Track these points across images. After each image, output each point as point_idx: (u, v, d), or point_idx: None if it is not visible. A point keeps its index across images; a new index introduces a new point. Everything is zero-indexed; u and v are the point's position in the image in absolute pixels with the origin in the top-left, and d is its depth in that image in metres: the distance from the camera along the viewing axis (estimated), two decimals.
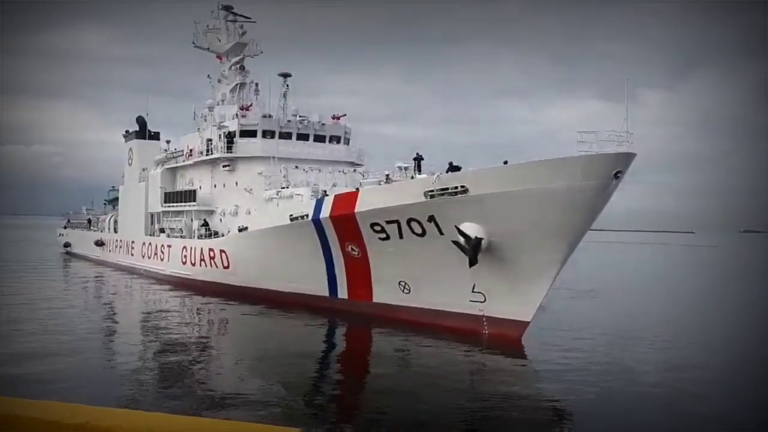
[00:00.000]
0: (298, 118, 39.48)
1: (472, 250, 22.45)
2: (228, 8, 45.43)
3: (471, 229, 22.55)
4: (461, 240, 22.76)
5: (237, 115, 39.35)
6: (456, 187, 22.63)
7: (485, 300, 23.94)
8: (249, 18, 45.16)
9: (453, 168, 24.45)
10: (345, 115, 41.48)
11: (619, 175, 20.89)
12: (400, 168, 29.38)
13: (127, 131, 56.48)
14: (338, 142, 40.36)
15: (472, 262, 22.67)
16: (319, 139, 39.68)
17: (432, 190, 23.26)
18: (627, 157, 20.92)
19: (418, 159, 29.56)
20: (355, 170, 39.54)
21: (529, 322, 23.16)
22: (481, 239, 22.38)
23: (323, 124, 40.00)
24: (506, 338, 22.89)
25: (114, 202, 62.13)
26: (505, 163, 23.06)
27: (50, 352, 19.87)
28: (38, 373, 16.94)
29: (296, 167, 36.88)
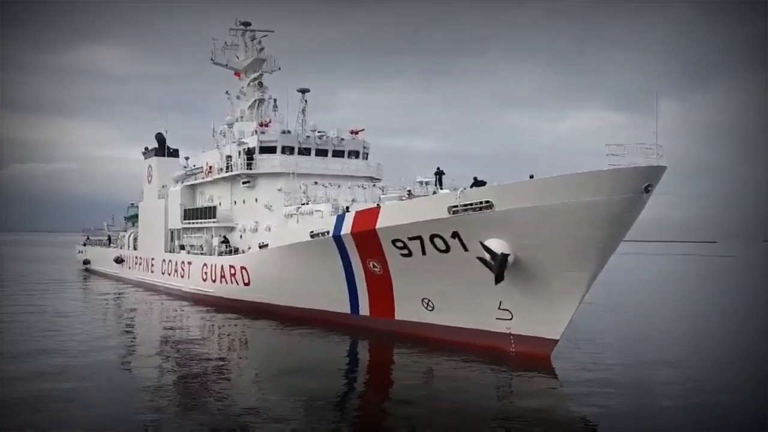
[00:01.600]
0: (317, 133, 39.36)
1: (498, 266, 21.95)
2: (246, 24, 45.59)
3: (497, 245, 22.06)
4: (487, 256, 22.28)
5: (256, 131, 39.30)
6: (481, 203, 22.19)
7: (512, 317, 23.41)
8: (269, 30, 45.20)
9: (477, 183, 24.03)
10: (363, 129, 41.31)
11: (649, 188, 20.34)
12: (420, 182, 29.08)
13: (146, 148, 56.76)
14: (357, 156, 40.14)
15: (498, 279, 22.15)
16: (338, 154, 39.51)
17: (456, 206, 22.82)
18: (657, 170, 20.38)
19: (439, 173, 29.22)
20: (374, 185, 39.32)
21: (558, 340, 22.58)
22: (507, 255, 21.88)
23: (342, 139, 39.82)
24: (534, 357, 22.32)
25: (133, 218, 62.33)
26: (531, 177, 22.63)
27: (69, 368, 19.93)
28: (58, 390, 17.10)
29: (315, 183, 36.69)
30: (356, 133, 40.92)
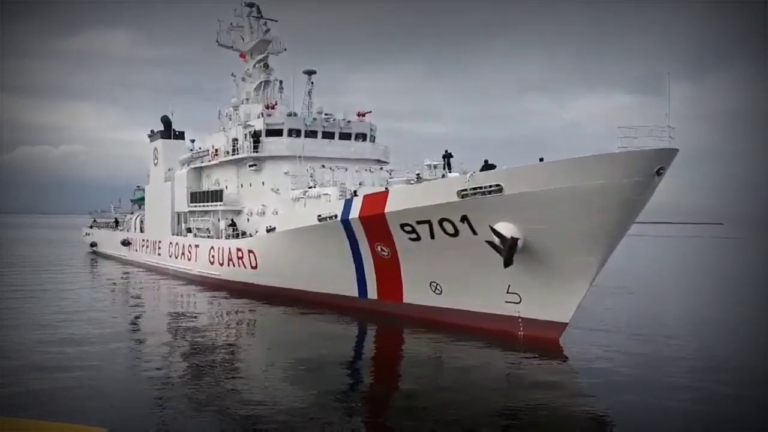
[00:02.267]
0: (323, 116, 39.15)
1: (508, 250, 21.86)
2: (251, 5, 45.10)
3: (506, 228, 21.95)
4: (496, 240, 22.18)
5: (262, 114, 39.10)
6: (490, 186, 22.04)
7: (521, 301, 23.38)
8: (273, 20, 44.84)
9: (487, 166, 23.85)
10: (370, 112, 41.07)
11: (661, 171, 20.12)
12: (429, 166, 28.87)
13: (152, 131, 56.59)
14: (364, 139, 39.94)
15: (508, 263, 22.07)
16: (345, 137, 39.31)
17: (465, 190, 22.67)
18: (669, 153, 20.15)
19: (448, 156, 29.06)
20: (381, 168, 39.17)
21: (567, 324, 22.56)
22: (516, 239, 21.78)
23: (349, 122, 39.63)
24: (544, 340, 22.32)
25: (140, 201, 62.41)
26: (541, 160, 22.45)
27: (75, 356, 19.88)
28: (64, 379, 17.06)
29: (322, 166, 36.56)
30: (363, 115, 40.69)
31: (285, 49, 45.15)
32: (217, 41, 45.72)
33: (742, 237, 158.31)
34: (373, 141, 40.53)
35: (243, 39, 45.08)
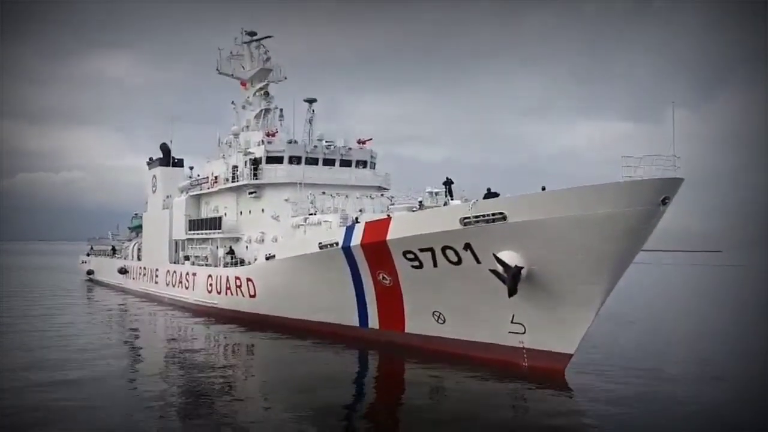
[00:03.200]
0: (324, 143, 39.14)
1: (512, 279, 21.55)
2: (252, 34, 45.43)
3: (510, 257, 21.68)
4: (500, 269, 21.89)
5: (263, 141, 39.06)
6: (494, 214, 21.83)
7: (525, 331, 22.99)
8: (268, 36, 44.96)
9: (490, 194, 23.68)
10: (371, 139, 41.12)
11: (666, 201, 19.97)
12: (430, 193, 28.65)
13: (150, 158, 56.52)
14: (365, 166, 39.91)
15: (512, 292, 21.73)
16: (346, 163, 39.28)
17: (468, 217, 22.47)
18: (675, 183, 20.02)
19: (448, 183, 28.86)
20: (382, 195, 39.04)
21: (572, 355, 22.15)
22: (520, 268, 21.49)
23: (349, 149, 39.64)
24: (548, 371, 21.90)
25: (137, 229, 62.00)
26: (543, 188, 22.29)
27: (72, 380, 19.74)
28: (62, 400, 17.03)
29: (323, 193, 36.39)
30: (363, 142, 40.73)
31: (285, 78, 45.39)
32: (217, 69, 45.94)
33: (743, 264, 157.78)
34: (374, 168, 40.50)
35: (243, 67, 45.30)
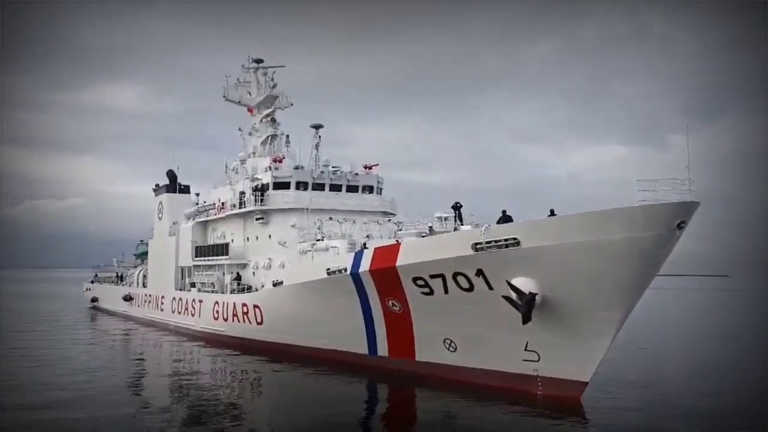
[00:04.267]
0: (330, 168, 39.05)
1: (526, 306, 21.12)
2: (258, 61, 45.71)
3: (524, 283, 21.28)
4: (513, 295, 21.48)
5: (270, 167, 38.97)
6: (507, 239, 21.48)
7: (539, 359, 22.49)
8: (280, 66, 45.34)
9: (505, 218, 23.37)
10: (377, 164, 41.01)
11: (682, 225, 19.63)
12: (439, 218, 28.39)
13: (157, 185, 56.50)
14: (371, 191, 39.74)
15: (526, 319, 21.28)
16: (352, 189, 39.12)
17: (480, 243, 22.12)
18: (690, 207, 19.69)
19: (457, 207, 28.54)
20: (389, 220, 38.78)
21: (588, 383, 21.63)
22: (535, 295, 21.08)
23: (356, 174, 39.54)
24: (563, 399, 21.37)
25: (143, 256, 61.76)
26: (552, 211, 22.03)
27: (76, 409, 19.37)
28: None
29: (330, 218, 36.15)
30: (370, 168, 40.62)
31: (291, 104, 45.57)
32: (224, 96, 46.18)
33: (745, 289, 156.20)
34: (380, 193, 40.33)
35: (250, 94, 45.52)
